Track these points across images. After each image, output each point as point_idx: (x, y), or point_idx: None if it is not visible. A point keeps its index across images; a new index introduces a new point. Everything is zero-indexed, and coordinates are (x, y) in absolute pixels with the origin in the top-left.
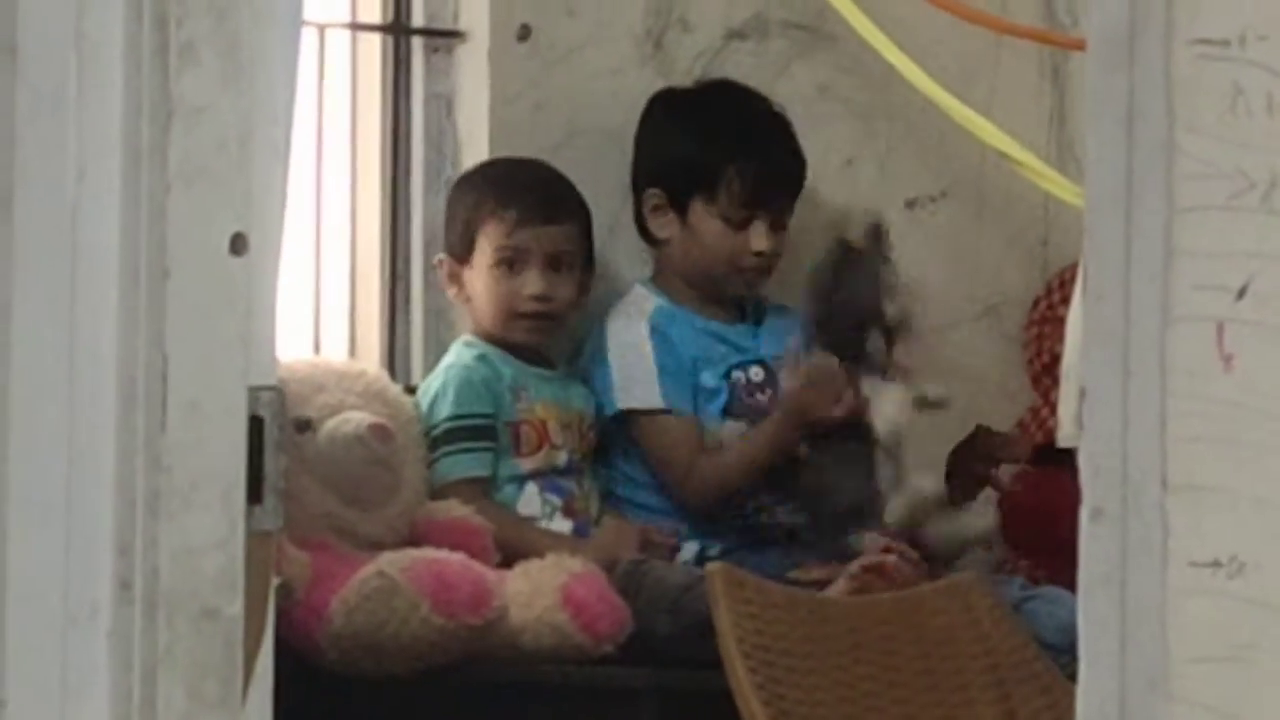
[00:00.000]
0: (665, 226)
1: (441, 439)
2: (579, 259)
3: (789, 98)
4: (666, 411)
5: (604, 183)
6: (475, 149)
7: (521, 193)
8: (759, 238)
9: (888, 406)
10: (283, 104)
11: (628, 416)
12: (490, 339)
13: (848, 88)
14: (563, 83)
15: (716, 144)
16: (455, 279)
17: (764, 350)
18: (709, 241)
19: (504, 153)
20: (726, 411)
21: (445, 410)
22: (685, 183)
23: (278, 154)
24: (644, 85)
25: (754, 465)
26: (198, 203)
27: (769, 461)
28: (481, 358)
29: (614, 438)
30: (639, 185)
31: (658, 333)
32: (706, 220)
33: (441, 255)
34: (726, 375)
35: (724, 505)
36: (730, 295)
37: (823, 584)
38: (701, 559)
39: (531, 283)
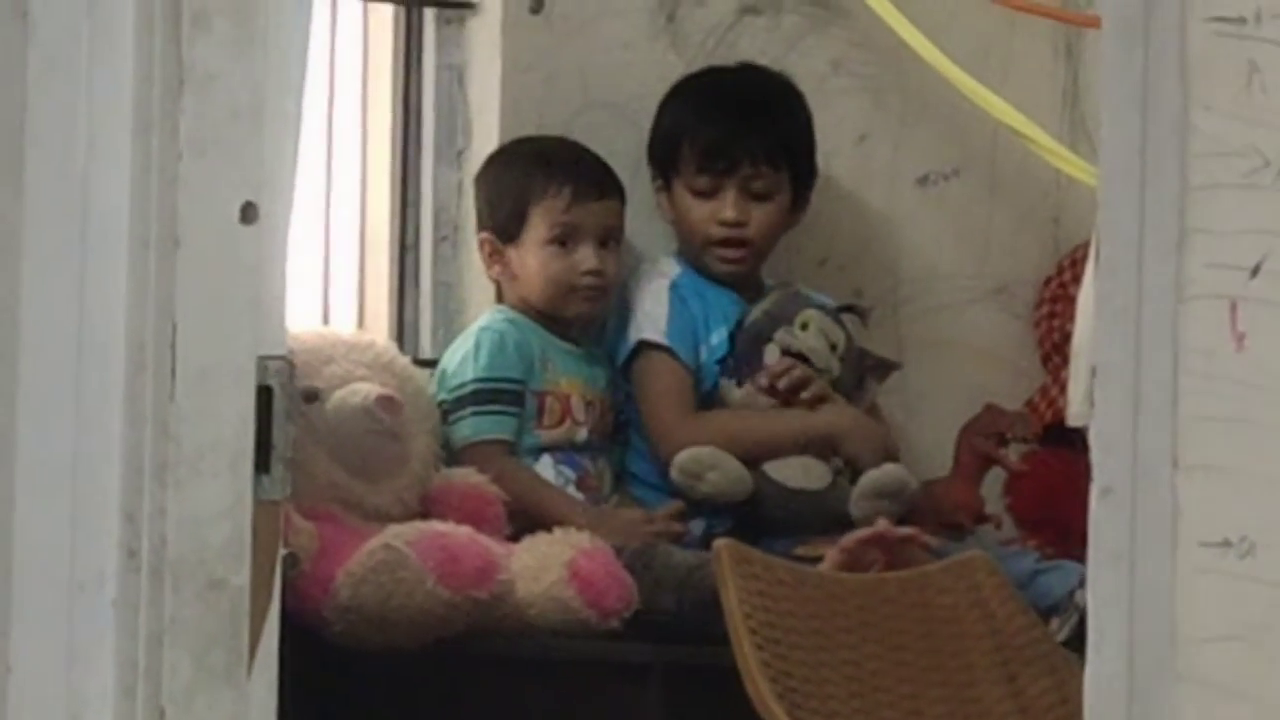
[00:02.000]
0: (664, 207)
1: (469, 398)
2: (621, 234)
3: (802, 73)
4: (670, 351)
5: (615, 156)
6: (486, 121)
7: (574, 170)
8: (727, 206)
9: None
10: (295, 73)
11: (637, 354)
12: (526, 313)
13: (861, 63)
14: (575, 56)
15: (674, 117)
16: (498, 258)
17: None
18: (684, 213)
19: (515, 125)
20: (724, 366)
21: (474, 370)
22: (662, 161)
23: (289, 124)
24: (656, 59)
25: (748, 442)
26: (209, 171)
27: (765, 446)
28: (514, 323)
29: (630, 407)
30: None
31: (676, 291)
32: (681, 195)
33: (485, 235)
34: (731, 336)
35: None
36: (719, 272)
37: None
38: (708, 536)
39: (586, 258)
